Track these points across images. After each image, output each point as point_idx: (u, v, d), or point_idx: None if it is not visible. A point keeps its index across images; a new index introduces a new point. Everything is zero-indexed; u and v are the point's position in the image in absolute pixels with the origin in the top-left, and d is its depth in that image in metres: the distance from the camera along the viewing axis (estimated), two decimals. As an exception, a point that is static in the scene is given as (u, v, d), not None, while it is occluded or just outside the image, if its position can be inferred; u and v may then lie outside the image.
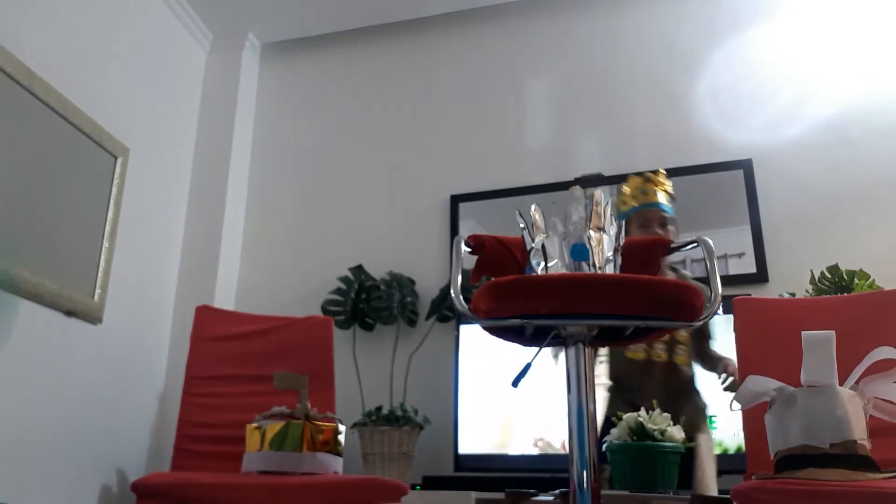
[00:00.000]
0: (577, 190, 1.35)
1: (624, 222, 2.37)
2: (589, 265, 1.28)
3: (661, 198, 2.35)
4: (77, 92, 2.73)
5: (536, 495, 1.79)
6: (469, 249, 1.46)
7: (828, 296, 2.33)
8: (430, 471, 2.73)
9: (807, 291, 2.50)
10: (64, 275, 2.56)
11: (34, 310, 2.44)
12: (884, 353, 1.41)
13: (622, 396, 2.33)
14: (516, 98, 3.43)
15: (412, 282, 3.17)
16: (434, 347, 3.05)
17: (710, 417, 2.32)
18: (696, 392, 2.31)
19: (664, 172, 2.41)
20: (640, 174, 2.43)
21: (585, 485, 1.21)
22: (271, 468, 1.91)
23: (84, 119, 2.73)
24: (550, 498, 1.74)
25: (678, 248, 1.53)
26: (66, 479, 2.51)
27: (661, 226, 2.33)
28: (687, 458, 1.86)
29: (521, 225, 1.36)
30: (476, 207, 3.28)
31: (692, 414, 2.20)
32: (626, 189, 2.42)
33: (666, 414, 1.86)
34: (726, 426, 2.41)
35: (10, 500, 2.22)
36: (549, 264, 1.30)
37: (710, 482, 2.14)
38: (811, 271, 2.53)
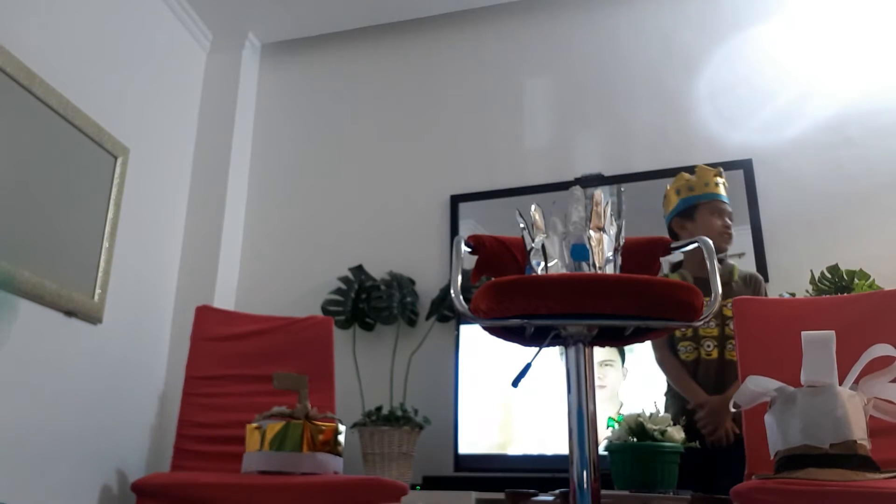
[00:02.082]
0: (577, 190, 1.35)
1: (686, 206, 2.39)
2: (589, 265, 1.28)
3: (726, 195, 2.45)
4: (77, 92, 2.73)
5: (536, 495, 1.79)
6: (469, 249, 1.47)
7: (828, 296, 2.33)
8: (430, 471, 2.73)
9: (807, 291, 2.50)
10: (64, 275, 2.56)
11: (34, 310, 2.44)
12: (880, 350, 1.41)
13: (674, 400, 2.31)
14: (516, 98, 3.43)
15: (412, 282, 3.17)
16: (434, 347, 3.05)
17: None
18: None
19: (722, 172, 2.49)
20: (713, 166, 2.50)
21: (585, 485, 1.21)
22: (271, 468, 1.91)
23: (84, 119, 2.73)
24: (550, 498, 1.74)
25: (678, 248, 1.54)
26: (66, 479, 2.51)
27: (730, 219, 2.41)
28: (689, 458, 1.85)
29: (521, 225, 1.36)
30: (476, 207, 3.28)
31: None
32: (692, 178, 2.44)
33: (666, 414, 1.86)
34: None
35: (10, 500, 2.22)
36: (549, 264, 1.30)
37: None
38: (811, 271, 2.53)
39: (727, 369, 2.22)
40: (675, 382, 2.28)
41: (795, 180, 2.94)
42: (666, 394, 2.38)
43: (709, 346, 2.24)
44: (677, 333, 2.30)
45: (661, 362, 2.33)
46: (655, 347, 2.35)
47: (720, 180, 2.43)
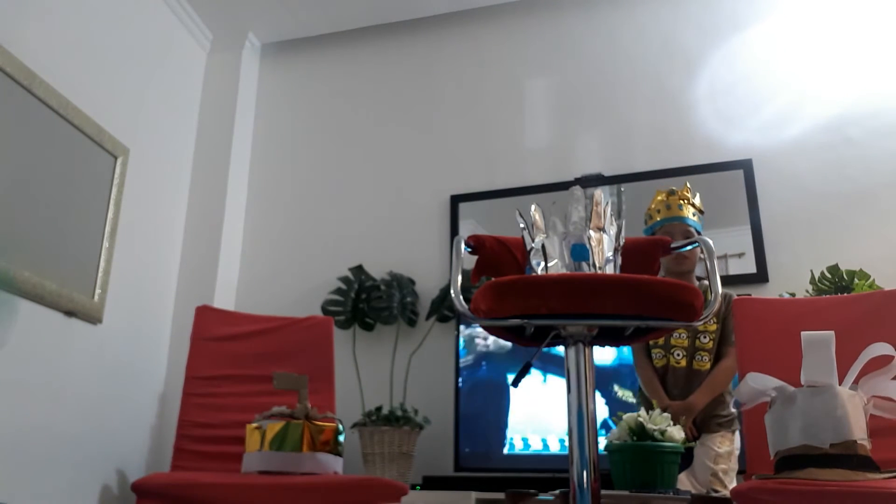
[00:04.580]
0: (577, 190, 1.35)
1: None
2: (589, 265, 1.28)
3: (687, 212, 2.32)
4: (77, 92, 2.73)
5: (536, 495, 1.79)
6: (469, 249, 1.46)
7: (828, 296, 2.33)
8: (430, 471, 2.73)
9: (807, 291, 2.50)
10: (64, 275, 2.56)
11: (34, 310, 2.44)
12: (878, 349, 1.41)
13: (643, 401, 2.37)
14: (516, 98, 3.43)
15: (412, 282, 3.17)
16: (434, 347, 3.05)
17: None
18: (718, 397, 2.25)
19: (689, 186, 2.39)
20: (666, 189, 2.40)
21: (585, 485, 1.21)
22: (271, 468, 1.91)
23: (84, 119, 2.73)
24: (550, 498, 1.74)
25: (678, 249, 1.54)
26: (66, 479, 2.51)
27: (688, 235, 2.29)
28: (687, 457, 1.86)
29: (521, 225, 1.36)
30: (476, 207, 3.28)
31: (702, 417, 2.22)
32: (651, 204, 2.41)
33: (666, 414, 1.86)
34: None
35: (11, 500, 2.22)
36: (549, 264, 1.30)
37: (691, 481, 2.14)
38: (811, 271, 2.53)
39: (694, 378, 2.27)
40: (645, 386, 2.37)
41: (795, 180, 2.94)
42: (636, 395, 2.46)
43: (678, 356, 2.29)
44: (650, 340, 2.33)
45: (637, 366, 2.41)
46: (634, 352, 2.42)
47: (673, 199, 2.33)
